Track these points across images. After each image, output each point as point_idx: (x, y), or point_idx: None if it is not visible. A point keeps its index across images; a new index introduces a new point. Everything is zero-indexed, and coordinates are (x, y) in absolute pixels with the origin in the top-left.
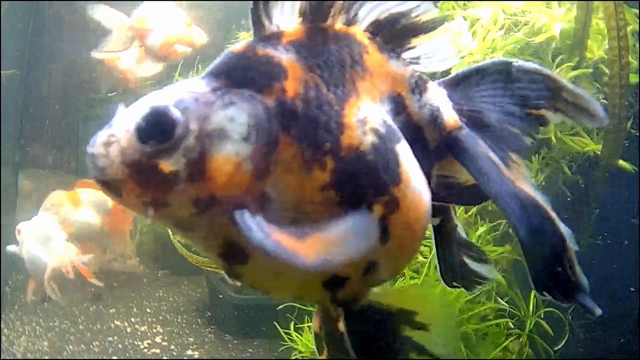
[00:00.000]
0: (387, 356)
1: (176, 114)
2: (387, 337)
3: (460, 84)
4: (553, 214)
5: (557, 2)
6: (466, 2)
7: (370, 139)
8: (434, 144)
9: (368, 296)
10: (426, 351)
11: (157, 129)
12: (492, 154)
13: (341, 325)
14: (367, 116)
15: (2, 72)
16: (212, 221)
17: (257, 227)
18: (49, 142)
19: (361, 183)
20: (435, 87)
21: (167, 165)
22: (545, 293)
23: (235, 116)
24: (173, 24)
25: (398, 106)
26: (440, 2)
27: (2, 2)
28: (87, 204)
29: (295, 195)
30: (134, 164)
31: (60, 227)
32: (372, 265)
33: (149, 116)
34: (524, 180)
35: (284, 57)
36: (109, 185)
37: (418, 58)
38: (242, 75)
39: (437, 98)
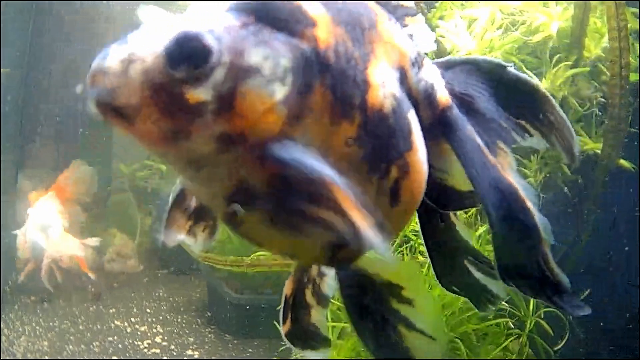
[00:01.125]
0: (379, 323)
1: (212, 41)
2: (379, 304)
3: (453, 68)
4: (530, 205)
5: (554, 1)
6: (463, 2)
7: (389, 102)
8: (427, 122)
9: (357, 261)
10: (414, 326)
11: (190, 55)
12: (478, 139)
13: (309, 296)
14: (385, 80)
15: (1, 71)
16: (233, 160)
17: (310, 157)
18: (49, 141)
19: (383, 143)
20: (430, 63)
21: (194, 95)
22: (511, 284)
23: (271, 56)
24: None
25: (402, 77)
26: (439, 2)
27: (2, 2)
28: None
29: (321, 147)
30: (158, 87)
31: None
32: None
33: (181, 39)
34: (509, 169)
35: (310, 6)
36: (120, 108)
37: (412, 36)
38: (271, 15)
39: (432, 75)
